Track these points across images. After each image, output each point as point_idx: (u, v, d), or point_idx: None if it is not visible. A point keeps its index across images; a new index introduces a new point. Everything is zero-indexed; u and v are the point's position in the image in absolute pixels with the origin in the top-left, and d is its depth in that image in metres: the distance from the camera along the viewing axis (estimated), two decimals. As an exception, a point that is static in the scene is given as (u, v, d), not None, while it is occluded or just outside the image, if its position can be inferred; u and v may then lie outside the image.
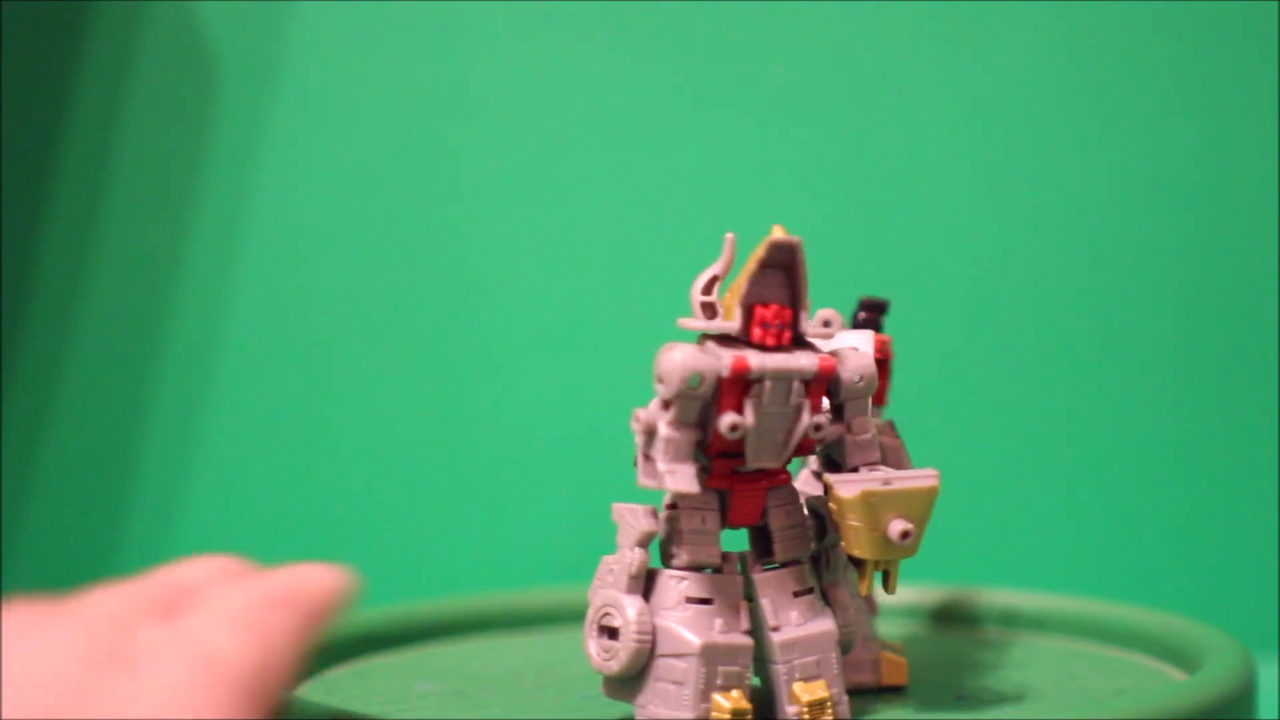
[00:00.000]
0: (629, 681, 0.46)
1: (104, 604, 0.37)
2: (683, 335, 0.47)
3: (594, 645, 0.46)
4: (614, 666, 0.45)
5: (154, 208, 0.97)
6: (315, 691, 0.56)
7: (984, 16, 0.91)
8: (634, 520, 0.46)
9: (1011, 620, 0.65)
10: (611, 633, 0.46)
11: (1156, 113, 0.90)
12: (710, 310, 0.47)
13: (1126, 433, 0.89)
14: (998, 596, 0.66)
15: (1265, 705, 0.57)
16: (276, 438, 0.95)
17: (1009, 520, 0.90)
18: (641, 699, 0.46)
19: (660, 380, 0.45)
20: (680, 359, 0.45)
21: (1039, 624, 0.64)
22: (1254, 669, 0.51)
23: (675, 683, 0.45)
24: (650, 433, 0.45)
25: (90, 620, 0.36)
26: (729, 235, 0.48)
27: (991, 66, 0.91)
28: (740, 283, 0.46)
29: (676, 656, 0.45)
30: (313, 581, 0.41)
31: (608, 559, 0.47)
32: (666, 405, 0.45)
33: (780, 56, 0.93)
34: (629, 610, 0.45)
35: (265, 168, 0.96)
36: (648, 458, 0.45)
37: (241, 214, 0.96)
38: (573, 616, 0.67)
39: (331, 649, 0.60)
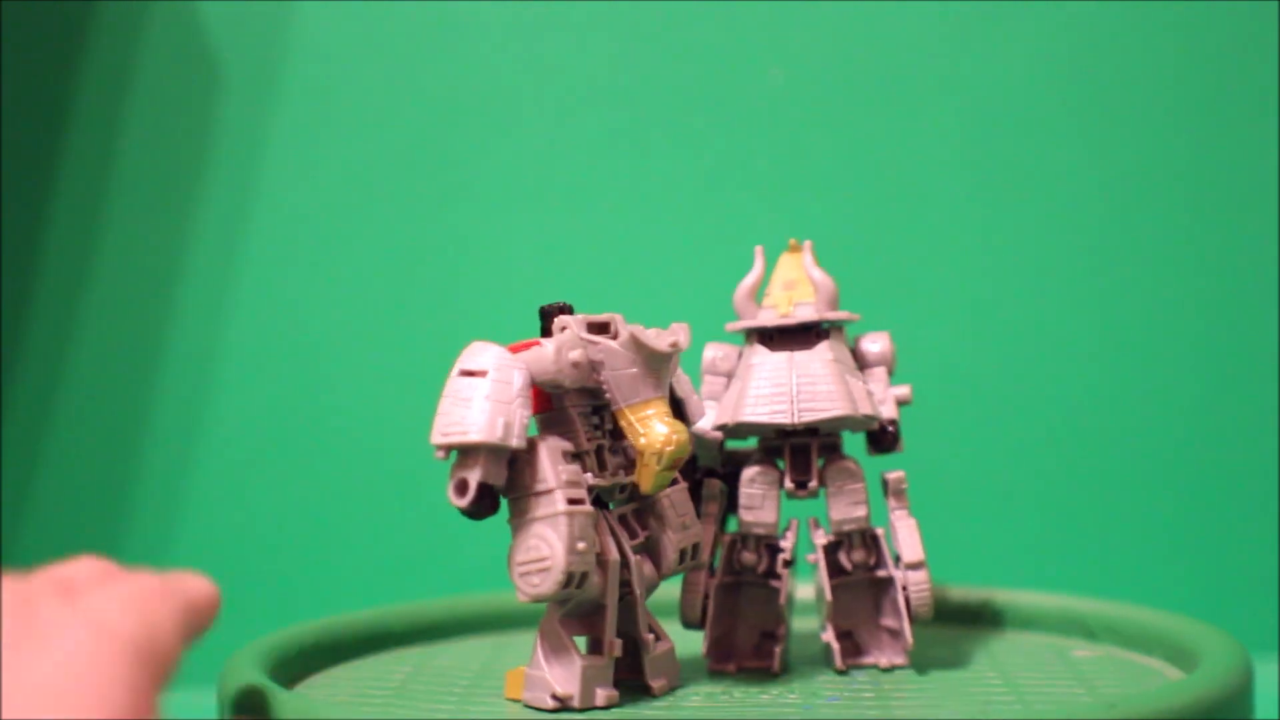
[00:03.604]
0: None
1: (7, 587, 0.42)
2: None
3: None
4: None
5: (156, 208, 0.97)
6: (314, 690, 0.56)
7: (983, 18, 0.91)
8: None
9: (1010, 618, 0.65)
10: None
11: (1155, 114, 0.90)
12: None
13: (1126, 432, 0.89)
14: (996, 594, 0.66)
15: (1265, 706, 0.57)
16: (278, 437, 0.95)
17: (1008, 519, 0.90)
18: None
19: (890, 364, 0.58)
20: None
21: (1037, 622, 0.64)
22: (1250, 667, 0.51)
23: None
24: None
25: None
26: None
27: (990, 68, 0.91)
28: None
29: None
30: (189, 583, 0.45)
31: None
32: None
33: (779, 59, 0.93)
34: None
35: (267, 169, 0.96)
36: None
37: (243, 215, 0.96)
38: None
39: (333, 649, 0.60)
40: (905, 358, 0.91)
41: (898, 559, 0.57)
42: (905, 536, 0.56)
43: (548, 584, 0.49)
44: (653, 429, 0.51)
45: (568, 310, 0.53)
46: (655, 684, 0.53)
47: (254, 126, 0.96)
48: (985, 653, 0.60)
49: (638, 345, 0.52)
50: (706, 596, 0.56)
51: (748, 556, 0.57)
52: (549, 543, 0.49)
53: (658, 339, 0.52)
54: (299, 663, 0.58)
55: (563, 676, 0.51)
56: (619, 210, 0.94)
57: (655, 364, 0.52)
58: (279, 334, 0.96)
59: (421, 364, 0.96)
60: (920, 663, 0.58)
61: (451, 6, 0.95)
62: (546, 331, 0.53)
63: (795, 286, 0.57)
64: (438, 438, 0.50)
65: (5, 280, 0.97)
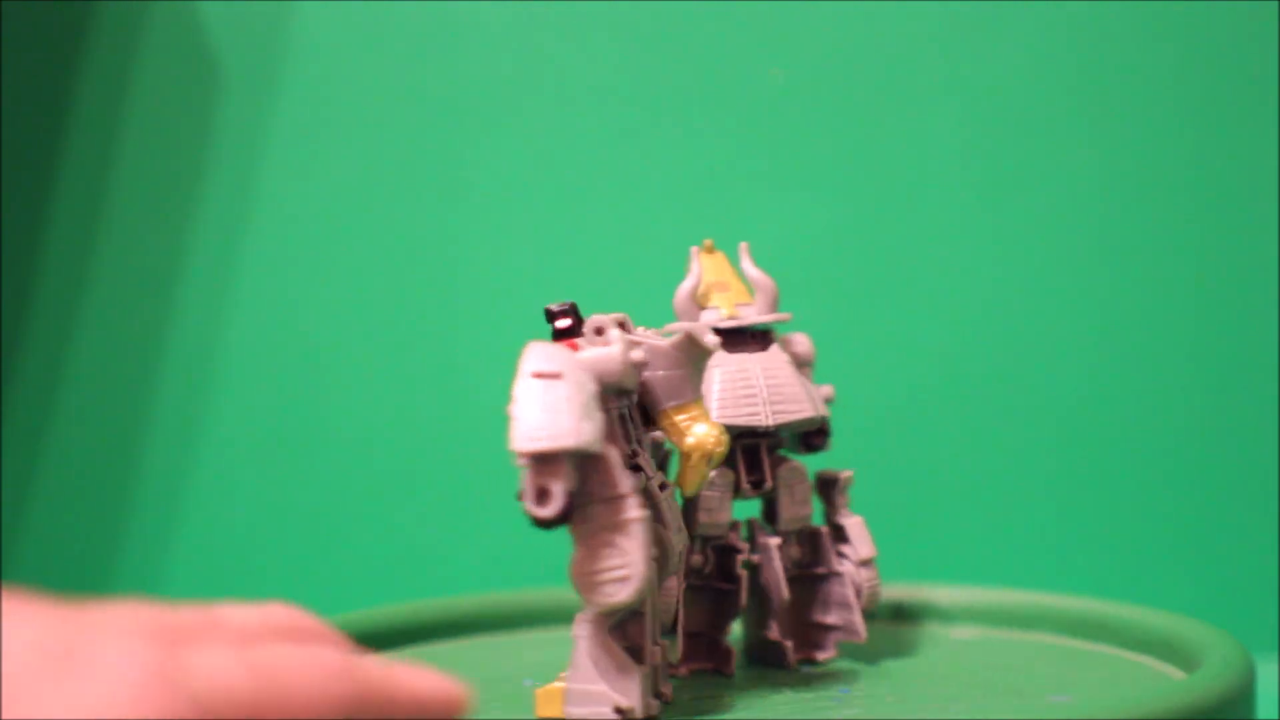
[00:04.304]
0: None
1: (95, 612, 0.33)
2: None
3: None
4: None
5: (156, 208, 0.97)
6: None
7: (984, 18, 0.91)
8: None
9: (1010, 619, 0.65)
10: None
11: (1154, 111, 0.90)
12: None
13: (1126, 431, 0.89)
14: (996, 595, 0.66)
15: (1265, 706, 0.57)
16: (278, 438, 0.95)
17: (1008, 519, 0.90)
18: None
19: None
20: None
21: (1038, 623, 0.64)
22: (1253, 668, 0.51)
23: None
24: None
25: (51, 618, 0.32)
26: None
27: (991, 68, 0.91)
28: None
29: None
30: (409, 676, 0.37)
31: None
32: None
33: (779, 59, 0.93)
34: None
35: (267, 169, 0.96)
36: None
37: (243, 215, 0.96)
38: (566, 616, 0.67)
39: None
40: (907, 356, 0.91)
41: (841, 555, 0.57)
42: (858, 533, 0.58)
43: (625, 593, 0.47)
44: (698, 430, 0.51)
45: (574, 309, 0.52)
46: (664, 689, 0.53)
47: (254, 126, 0.96)
48: (985, 653, 0.60)
49: (691, 344, 0.51)
50: (678, 601, 0.56)
51: (696, 559, 0.57)
52: (625, 551, 0.47)
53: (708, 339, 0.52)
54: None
55: (625, 689, 0.49)
56: (618, 210, 0.94)
57: (701, 364, 0.52)
58: (279, 334, 0.96)
59: (422, 364, 0.96)
60: (919, 661, 0.58)
61: (451, 6, 0.95)
62: (558, 332, 0.52)
63: (729, 288, 0.58)
64: (525, 444, 0.46)
65: (5, 280, 0.97)
